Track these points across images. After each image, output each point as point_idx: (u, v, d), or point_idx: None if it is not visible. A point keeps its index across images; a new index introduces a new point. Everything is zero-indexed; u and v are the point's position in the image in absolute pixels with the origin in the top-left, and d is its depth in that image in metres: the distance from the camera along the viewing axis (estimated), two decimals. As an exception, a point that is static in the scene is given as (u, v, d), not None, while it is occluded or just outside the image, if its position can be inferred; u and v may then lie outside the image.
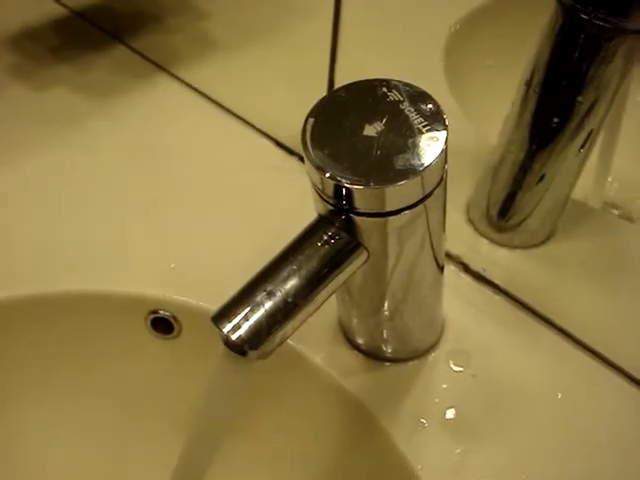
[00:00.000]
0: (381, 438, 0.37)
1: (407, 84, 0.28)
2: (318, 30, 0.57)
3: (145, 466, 0.46)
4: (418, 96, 0.28)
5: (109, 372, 0.46)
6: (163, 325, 0.44)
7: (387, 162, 0.26)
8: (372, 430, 0.38)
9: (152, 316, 0.44)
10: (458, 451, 0.36)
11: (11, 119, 0.54)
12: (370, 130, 0.27)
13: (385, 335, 0.38)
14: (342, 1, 0.51)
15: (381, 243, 0.30)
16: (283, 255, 0.29)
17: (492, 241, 0.45)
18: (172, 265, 0.44)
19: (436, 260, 0.33)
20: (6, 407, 0.46)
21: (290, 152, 0.51)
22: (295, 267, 0.28)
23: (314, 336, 0.41)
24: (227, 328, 0.28)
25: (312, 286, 0.28)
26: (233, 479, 0.43)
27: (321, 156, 0.27)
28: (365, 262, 0.30)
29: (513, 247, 0.45)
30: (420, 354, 0.40)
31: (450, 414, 0.38)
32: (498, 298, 0.42)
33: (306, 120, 0.28)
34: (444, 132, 0.27)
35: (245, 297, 0.28)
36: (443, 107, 0.28)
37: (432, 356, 0.40)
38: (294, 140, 0.50)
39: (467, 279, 0.43)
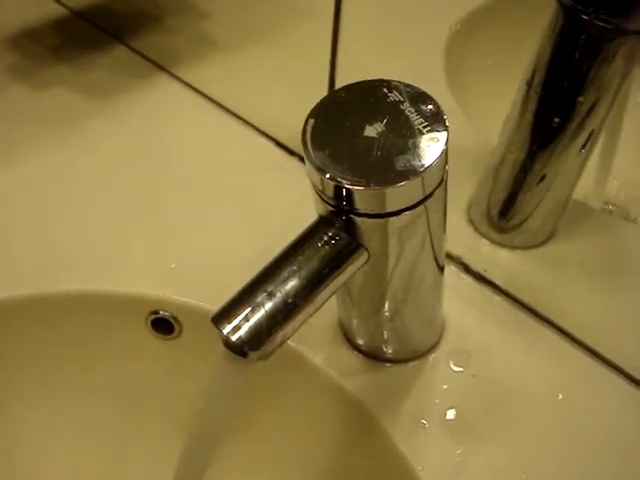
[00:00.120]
0: (381, 439, 0.37)
1: (407, 85, 0.28)
2: (318, 30, 0.57)
3: (145, 466, 0.46)
4: (418, 97, 0.28)
5: (109, 372, 0.46)
6: (163, 325, 0.44)
7: (387, 163, 0.26)
8: (372, 431, 0.38)
9: (152, 316, 0.44)
10: (458, 452, 0.36)
11: (11, 119, 0.54)
12: (370, 131, 0.27)
13: (385, 336, 0.38)
14: (342, 1, 0.51)
15: (381, 244, 0.30)
16: (283, 256, 0.29)
17: (493, 241, 0.45)
18: (172, 265, 0.44)
19: (436, 261, 0.33)
20: (6, 407, 0.46)
21: (290, 152, 0.51)
22: (295, 268, 0.28)
23: (314, 337, 0.41)
24: (227, 329, 0.28)
25: (312, 287, 0.28)
26: (233, 479, 0.43)
27: (321, 157, 0.27)
28: (365, 263, 0.30)
29: (514, 247, 0.45)
30: (420, 354, 0.40)
31: (450, 414, 0.38)
32: (499, 298, 0.42)
33: (306, 120, 0.28)
34: (444, 133, 0.27)
35: (245, 298, 0.28)
36: (443, 107, 0.28)
37: (432, 356, 0.40)
38: (294, 140, 0.50)
39: (468, 279, 0.43)
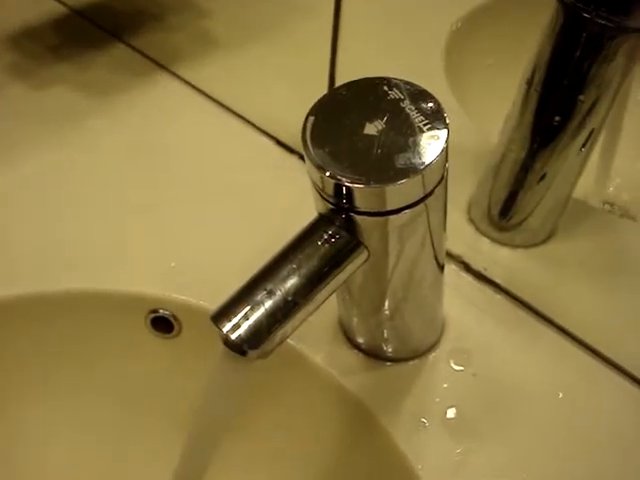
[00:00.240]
0: (381, 437, 0.37)
1: (408, 82, 0.28)
2: (319, 29, 0.57)
3: (145, 464, 0.46)
4: (419, 94, 0.28)
5: (109, 371, 0.46)
6: (163, 324, 0.44)
7: (388, 161, 0.26)
8: (372, 430, 0.38)
9: (152, 315, 0.44)
10: (459, 451, 0.36)
11: (10, 118, 0.54)
12: (371, 129, 0.27)
13: (385, 334, 0.38)
14: (342, -1, 0.51)
15: (381, 242, 0.30)
16: (283, 254, 0.29)
17: (493, 240, 0.45)
18: (172, 264, 0.44)
19: (437, 259, 0.33)
20: (6, 405, 0.45)
21: (290, 151, 0.51)
22: (295, 266, 0.28)
23: (314, 335, 0.40)
24: (227, 327, 0.27)
25: (312, 285, 0.28)
26: (233, 478, 0.43)
27: (321, 155, 0.27)
28: (365, 261, 0.30)
29: (514, 246, 0.45)
30: (421, 353, 0.40)
31: (451, 413, 0.38)
32: (499, 297, 0.42)
33: (306, 118, 0.28)
34: (445, 130, 0.27)
35: (245, 296, 0.28)
36: (444, 106, 0.28)
37: (433, 355, 0.40)
38: (294, 139, 0.50)
39: (468, 278, 0.43)
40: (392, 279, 0.33)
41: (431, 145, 0.27)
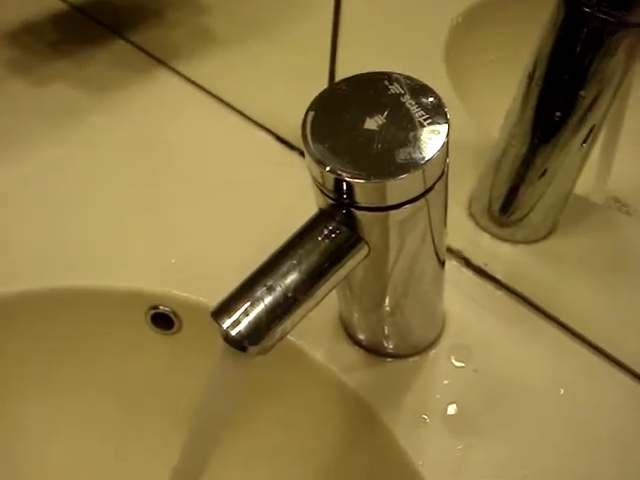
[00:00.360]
0: (382, 434, 0.37)
1: (408, 77, 0.28)
2: (319, 25, 0.57)
3: (146, 461, 0.46)
4: (419, 89, 0.28)
5: (109, 367, 0.46)
6: (163, 321, 0.44)
7: (388, 156, 0.26)
8: (373, 426, 0.38)
9: (152, 311, 0.44)
10: (459, 447, 0.36)
11: (10, 114, 0.54)
12: (371, 123, 0.27)
13: (386, 330, 0.38)
14: (343, -5, 0.51)
15: (382, 237, 0.29)
16: (283, 250, 0.29)
17: (494, 236, 0.45)
18: (172, 260, 0.44)
19: (437, 255, 0.33)
20: (7, 402, 0.45)
21: (290, 147, 0.51)
22: (295, 262, 0.28)
23: (315, 331, 0.40)
24: (227, 323, 0.27)
25: (312, 281, 0.28)
26: (233, 474, 0.43)
27: (321, 150, 0.27)
28: (366, 257, 0.30)
29: (515, 242, 0.44)
30: (421, 350, 0.40)
31: (451, 410, 0.38)
32: (499, 293, 0.42)
33: (306, 113, 0.28)
34: (445, 125, 0.27)
35: (245, 292, 0.28)
36: (444, 101, 0.28)
37: (433, 352, 0.40)
38: (294, 134, 0.50)
39: (468, 274, 0.43)
40: (393, 275, 0.33)
41: (432, 140, 0.26)
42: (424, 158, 0.26)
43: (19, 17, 0.62)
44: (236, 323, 0.27)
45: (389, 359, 0.40)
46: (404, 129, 0.27)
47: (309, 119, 0.28)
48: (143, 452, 0.46)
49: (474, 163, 0.45)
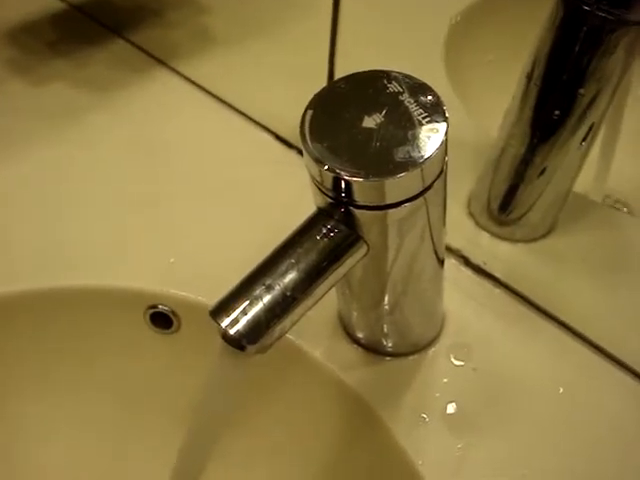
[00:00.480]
0: (381, 433, 0.37)
1: (407, 75, 0.28)
2: (318, 25, 0.57)
3: (145, 460, 0.46)
4: (418, 87, 0.28)
5: (109, 367, 0.46)
6: (162, 320, 0.44)
7: (387, 154, 0.26)
8: (372, 425, 0.38)
9: (151, 311, 0.44)
10: (459, 446, 0.36)
11: (9, 114, 0.54)
12: (369, 122, 0.27)
13: (385, 329, 0.38)
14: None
15: (381, 236, 0.29)
16: (282, 249, 0.29)
17: (493, 234, 0.45)
18: (171, 260, 0.44)
19: (436, 253, 0.33)
20: (6, 402, 0.45)
21: (290, 146, 0.51)
22: (294, 261, 0.28)
23: (314, 330, 0.40)
24: (225, 322, 0.27)
25: (311, 280, 0.28)
26: (232, 473, 0.43)
27: (320, 148, 0.27)
28: (365, 255, 0.30)
29: (514, 241, 0.44)
30: (420, 348, 0.40)
31: (451, 409, 0.38)
32: (498, 291, 0.42)
33: (305, 112, 0.28)
34: (444, 124, 0.27)
35: (243, 291, 0.28)
36: (443, 100, 0.27)
37: (432, 350, 0.40)
38: (294, 134, 0.49)
39: (467, 272, 0.43)
40: (391, 273, 0.33)
41: (430, 138, 0.26)
42: (423, 157, 0.26)
43: (18, 16, 0.62)
44: (235, 322, 0.27)
45: (388, 358, 0.40)
46: (403, 127, 0.27)
47: (308, 118, 0.28)
48: (142, 452, 0.46)
49: (473, 162, 0.45)
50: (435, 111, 0.27)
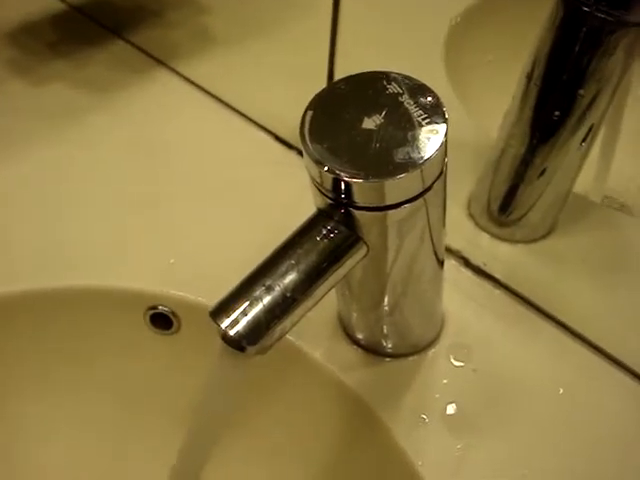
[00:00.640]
0: (381, 434, 0.37)
1: (406, 77, 0.28)
2: (317, 26, 0.57)
3: (144, 461, 0.46)
4: (417, 89, 0.28)
5: (108, 367, 0.46)
6: (162, 321, 0.44)
7: (386, 155, 0.26)
8: (372, 426, 0.38)
9: (151, 311, 0.43)
10: (459, 446, 0.36)
11: (9, 114, 0.54)
12: (369, 123, 0.27)
13: (385, 330, 0.38)
14: (342, -5, 0.51)
15: (381, 237, 0.29)
16: (282, 249, 0.29)
17: (493, 235, 0.45)
18: (171, 260, 0.44)
19: (436, 254, 0.33)
20: (6, 402, 0.45)
21: (289, 146, 0.51)
22: (294, 262, 0.28)
23: (313, 331, 0.40)
24: (225, 323, 0.27)
25: (311, 281, 0.28)
26: (232, 474, 0.43)
27: (320, 149, 0.27)
28: (365, 256, 0.30)
29: (514, 241, 0.44)
30: (420, 349, 0.40)
31: (451, 409, 0.38)
32: (498, 292, 0.42)
33: (305, 113, 0.28)
34: (444, 125, 0.27)
35: (243, 292, 0.28)
36: (443, 101, 0.27)
37: (432, 351, 0.40)
38: (294, 134, 0.49)
39: (467, 273, 0.43)
40: (391, 274, 0.33)
41: (430, 139, 0.26)
42: (422, 158, 0.26)
43: (18, 17, 0.62)
44: (235, 323, 0.27)
45: (388, 358, 0.40)
46: (402, 129, 0.27)
47: (307, 119, 0.28)
48: (142, 452, 0.46)
49: (473, 163, 0.45)
50: (435, 112, 0.27)
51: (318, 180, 0.28)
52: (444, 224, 0.33)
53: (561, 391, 0.38)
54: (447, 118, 0.27)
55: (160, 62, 0.58)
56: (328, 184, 0.27)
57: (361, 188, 0.27)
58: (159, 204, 0.48)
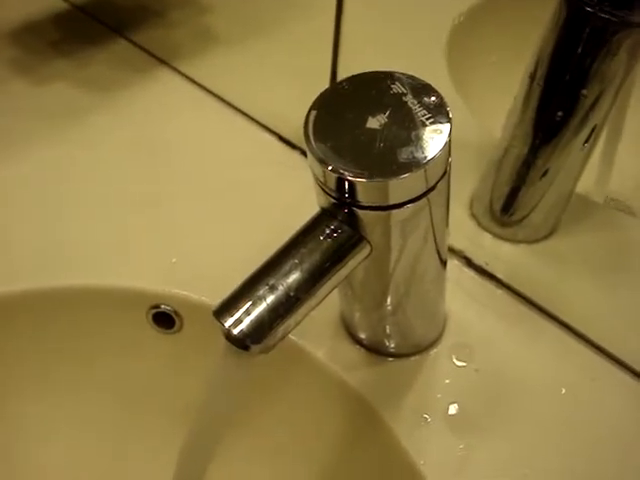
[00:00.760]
0: (383, 433, 0.37)
1: (410, 76, 0.28)
2: (320, 26, 0.57)
3: (145, 461, 0.46)
4: (421, 88, 0.28)
5: (110, 367, 0.46)
6: (164, 320, 0.44)
7: (390, 155, 0.26)
8: (374, 425, 0.38)
9: (153, 311, 0.44)
10: (461, 446, 0.36)
11: (11, 114, 0.54)
12: (373, 123, 0.27)
13: (387, 330, 0.38)
14: (344, -5, 0.51)
15: (384, 237, 0.29)
16: (285, 249, 0.29)
17: (495, 235, 0.45)
18: (173, 260, 0.44)
19: (439, 254, 0.33)
20: (6, 402, 0.45)
21: (293, 147, 0.51)
22: (297, 261, 0.28)
23: (316, 330, 0.40)
24: (229, 322, 0.27)
25: (314, 280, 0.28)
26: (235, 473, 0.43)
27: (323, 149, 0.27)
28: (368, 256, 0.30)
29: (516, 242, 0.44)
30: (422, 349, 0.40)
31: (453, 409, 0.38)
32: (500, 292, 0.42)
33: (309, 112, 0.28)
34: (448, 125, 0.27)
35: (247, 291, 0.28)
36: (447, 101, 0.27)
37: (434, 351, 0.40)
38: (297, 134, 0.50)
39: (470, 273, 0.43)
40: (394, 274, 0.33)
41: (434, 139, 0.26)
42: (426, 157, 0.26)
43: (20, 16, 0.62)
44: (238, 322, 0.27)
45: (390, 358, 0.40)
46: (406, 128, 0.27)
47: (311, 118, 0.28)
48: (142, 452, 0.46)
49: (476, 163, 0.45)
50: (439, 112, 0.27)
51: (322, 179, 0.28)
52: (447, 224, 0.33)
53: (563, 391, 0.38)
54: (451, 118, 0.27)
55: (162, 61, 0.58)
56: (332, 183, 0.27)
57: (365, 188, 0.27)
58: (161, 203, 0.48)
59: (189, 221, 0.47)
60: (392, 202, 0.27)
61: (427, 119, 0.27)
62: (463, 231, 0.45)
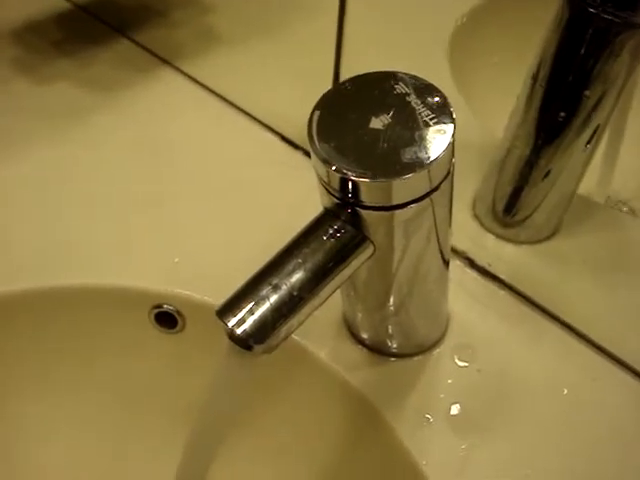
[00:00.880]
0: (386, 433, 0.37)
1: (414, 76, 0.28)
2: (323, 26, 0.57)
3: (146, 462, 0.46)
4: (425, 89, 0.28)
5: (112, 367, 0.46)
6: (167, 319, 0.44)
7: (394, 155, 0.26)
8: (377, 425, 0.38)
9: (156, 310, 0.44)
10: (463, 446, 0.36)
11: (13, 113, 0.54)
12: (377, 123, 0.27)
13: (390, 330, 0.38)
14: (347, -4, 0.51)
15: (387, 237, 0.29)
16: (288, 248, 0.29)
17: (498, 236, 0.45)
18: (176, 259, 0.44)
19: (442, 255, 0.33)
20: (6, 402, 0.45)
21: (295, 147, 0.51)
22: (300, 261, 0.28)
23: (319, 331, 0.40)
24: (232, 322, 0.27)
25: (317, 280, 0.28)
26: (238, 473, 0.43)
27: (327, 149, 0.27)
28: (371, 256, 0.30)
29: (519, 242, 0.44)
30: (425, 349, 0.40)
31: (455, 409, 0.38)
32: (503, 293, 0.42)
33: (312, 113, 0.28)
34: (451, 125, 0.27)
35: (250, 291, 0.28)
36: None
37: (437, 351, 0.40)
38: (300, 135, 0.50)
39: (472, 274, 0.43)
40: (397, 274, 0.33)
41: (437, 139, 0.26)
42: (430, 158, 0.26)
43: (23, 16, 0.62)
44: (241, 322, 0.27)
45: (393, 358, 0.40)
46: (410, 128, 0.27)
47: (315, 118, 0.28)
48: (142, 452, 0.46)
49: (478, 163, 0.45)
50: (442, 112, 0.27)
51: (325, 179, 0.28)
52: (450, 224, 0.33)
53: (565, 391, 0.38)
54: (454, 118, 0.27)
55: (165, 61, 0.58)
56: (335, 183, 0.27)
57: (368, 188, 0.27)
58: (164, 203, 0.48)
59: (192, 221, 0.47)
60: (395, 202, 0.27)
61: (431, 119, 0.27)
62: (466, 232, 0.45)
